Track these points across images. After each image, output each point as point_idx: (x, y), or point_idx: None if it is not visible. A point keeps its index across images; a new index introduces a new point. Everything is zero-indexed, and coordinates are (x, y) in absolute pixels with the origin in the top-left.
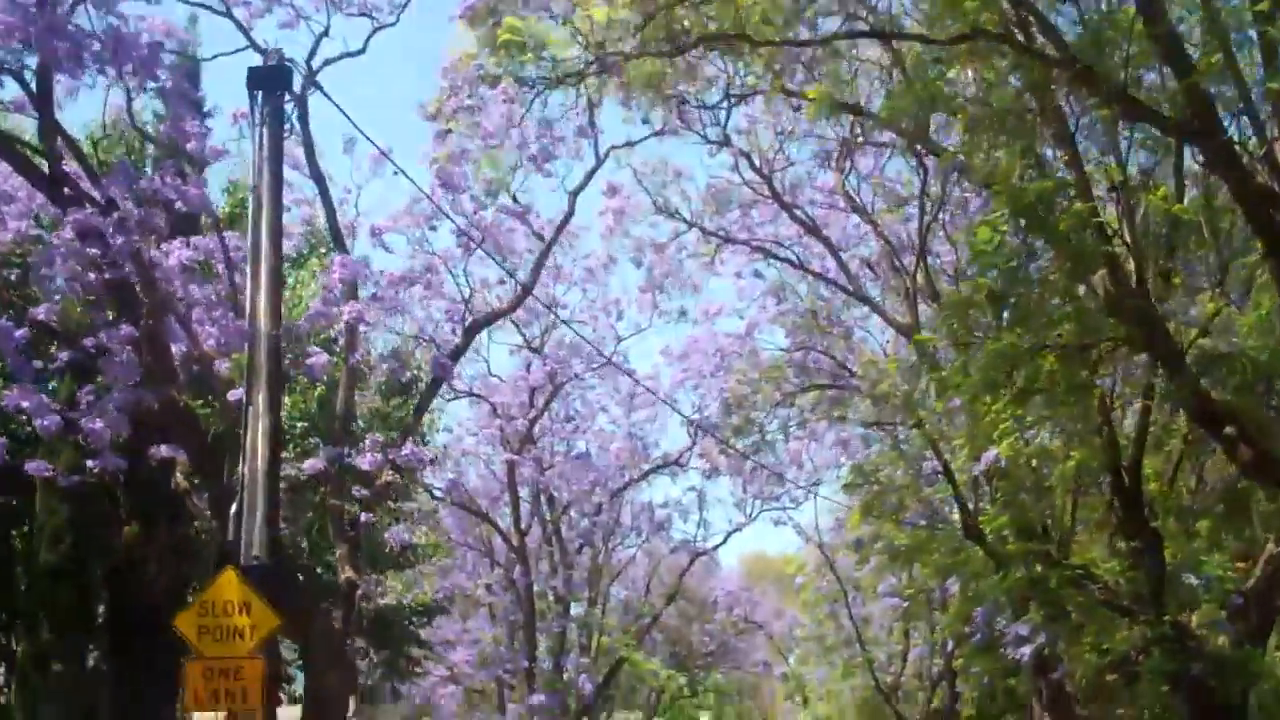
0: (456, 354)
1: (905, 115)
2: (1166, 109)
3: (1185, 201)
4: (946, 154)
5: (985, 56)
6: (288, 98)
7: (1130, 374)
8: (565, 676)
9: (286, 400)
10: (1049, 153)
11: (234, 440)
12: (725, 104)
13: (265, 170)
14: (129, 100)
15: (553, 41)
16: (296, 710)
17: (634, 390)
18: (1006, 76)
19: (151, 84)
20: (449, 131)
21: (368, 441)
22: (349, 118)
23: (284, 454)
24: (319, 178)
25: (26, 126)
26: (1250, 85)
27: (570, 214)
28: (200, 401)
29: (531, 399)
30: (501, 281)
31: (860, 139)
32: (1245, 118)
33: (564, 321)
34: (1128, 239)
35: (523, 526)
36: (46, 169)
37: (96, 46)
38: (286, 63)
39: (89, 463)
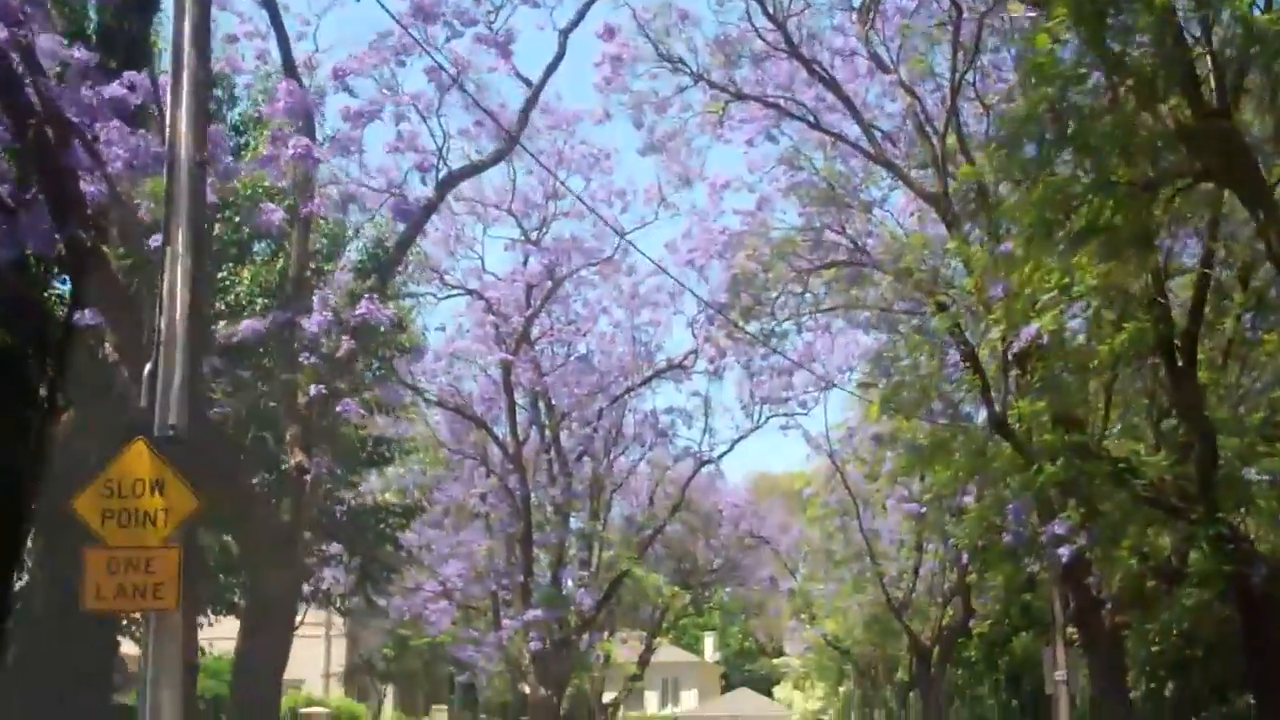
0: (428, 210)
1: None
2: None
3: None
4: None
5: None
6: None
7: (1185, 243)
8: (564, 591)
9: (246, 274)
10: None
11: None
12: None
13: None
14: None
15: None
16: None
17: (636, 290)
18: None
19: None
20: None
21: (315, 299)
22: None
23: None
24: (270, 3)
25: None
26: None
27: (560, 55)
28: (121, 251)
29: (529, 297)
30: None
31: None
32: None
33: (584, 203)
34: (1209, 52)
35: (519, 433)
36: None
37: None
38: None
39: None
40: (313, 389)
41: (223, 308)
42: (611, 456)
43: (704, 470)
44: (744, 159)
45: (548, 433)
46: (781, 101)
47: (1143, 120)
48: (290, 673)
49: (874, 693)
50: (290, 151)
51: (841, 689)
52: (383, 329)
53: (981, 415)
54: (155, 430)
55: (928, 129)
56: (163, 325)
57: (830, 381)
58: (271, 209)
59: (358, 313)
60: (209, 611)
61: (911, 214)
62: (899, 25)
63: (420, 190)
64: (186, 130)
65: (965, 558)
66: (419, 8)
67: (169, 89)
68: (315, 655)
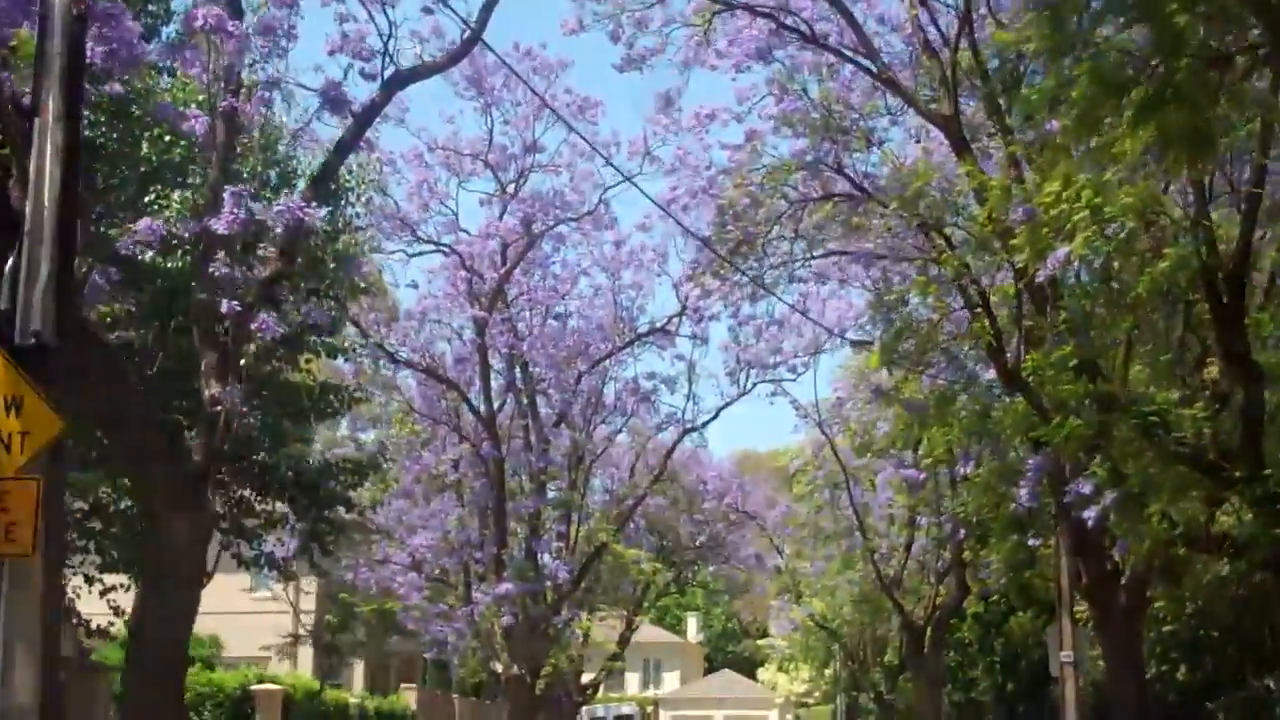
0: (371, 111)
1: None
2: None
3: None
4: None
5: None
6: None
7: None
8: (539, 564)
9: (176, 196)
10: None
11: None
12: None
13: None
14: None
15: None
16: None
17: (620, 243)
18: None
19: None
20: None
21: (227, 195)
22: None
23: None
24: None
25: None
26: None
27: None
28: None
29: (504, 254)
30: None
31: None
32: None
33: (581, 140)
34: None
35: (493, 399)
36: None
37: None
38: None
39: None
40: (225, 304)
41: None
42: (591, 425)
43: (687, 440)
44: (732, 88)
45: (524, 398)
46: (775, 11)
47: None
48: (247, 649)
49: (862, 675)
50: (200, 21)
51: (828, 671)
52: (315, 240)
53: (988, 375)
54: (15, 338)
55: (935, 45)
56: (29, 211)
57: (830, 331)
58: (196, 114)
59: (277, 209)
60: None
61: (917, 141)
62: None
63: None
64: None
65: (962, 532)
66: None
67: None
68: (281, 628)
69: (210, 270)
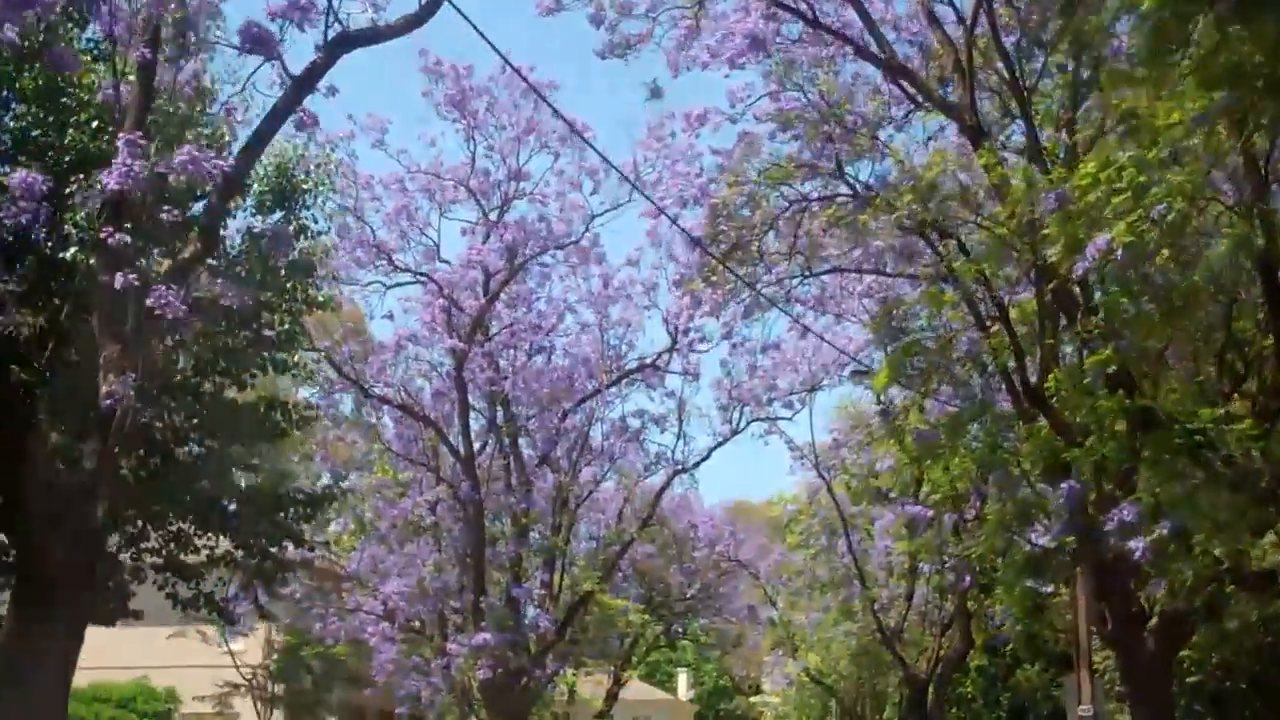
0: (314, 73)
1: None
2: None
3: None
4: None
5: None
6: None
7: None
8: (520, 613)
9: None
10: None
11: None
12: None
13: None
14: None
15: None
16: None
17: (609, 278)
18: None
19: None
20: None
21: (121, 143)
22: None
23: None
24: None
25: None
26: None
27: None
28: None
29: (486, 284)
30: None
31: None
32: None
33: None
34: None
35: (474, 435)
36: None
37: None
38: None
39: None
40: (119, 278)
41: None
42: (577, 468)
43: (678, 483)
44: (724, 90)
45: (505, 438)
46: None
47: None
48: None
49: None
50: None
51: None
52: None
53: (1002, 405)
54: None
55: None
56: None
57: (833, 347)
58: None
59: (180, 158)
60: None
61: (929, 142)
62: None
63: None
64: None
65: (968, 579)
66: None
67: None
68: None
69: (107, 240)
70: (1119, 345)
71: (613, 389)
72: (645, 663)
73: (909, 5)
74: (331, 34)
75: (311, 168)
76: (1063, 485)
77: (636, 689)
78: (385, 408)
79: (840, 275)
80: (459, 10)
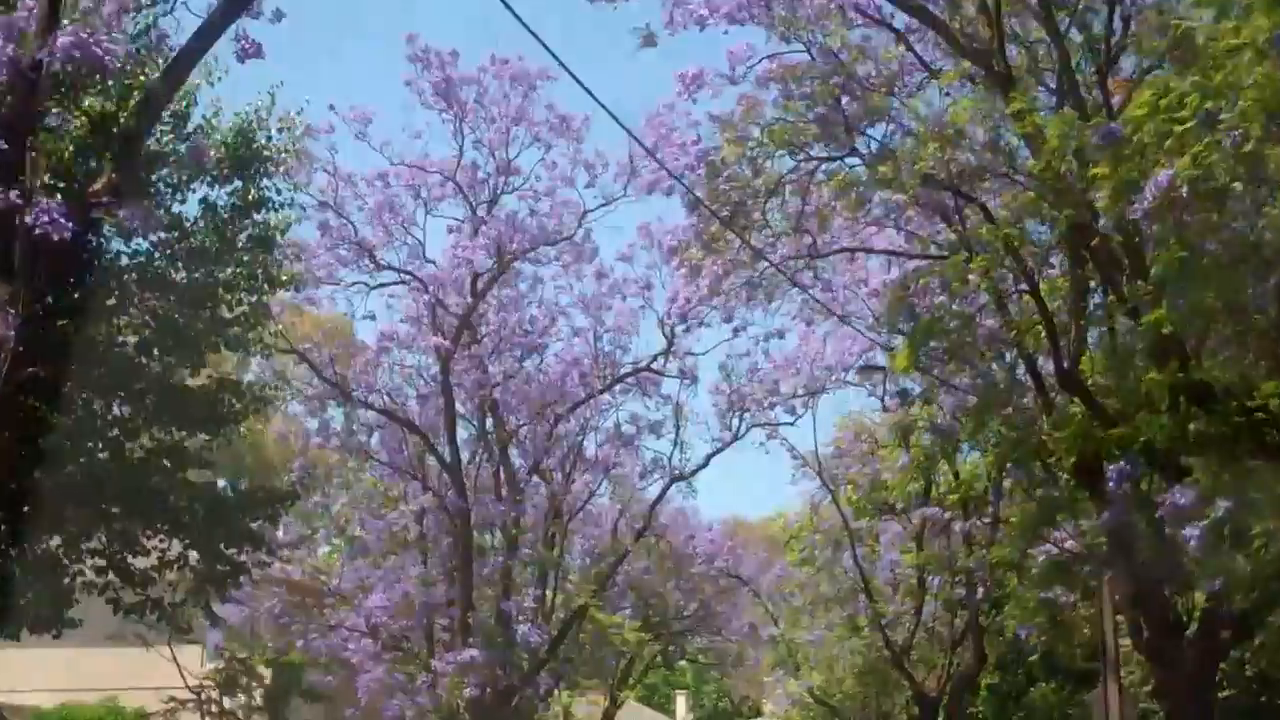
0: None
1: None
2: None
3: None
4: None
5: None
6: None
7: None
8: (513, 630)
9: None
10: None
11: None
12: None
13: None
14: None
15: None
16: None
17: (599, 281)
18: None
19: None
20: None
21: None
22: None
23: None
24: None
25: None
26: None
27: None
28: None
29: (474, 284)
30: None
31: None
32: None
33: None
34: None
35: (460, 443)
36: None
37: None
38: None
39: None
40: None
41: None
42: (569, 478)
43: (675, 492)
44: (723, 48)
45: (494, 445)
46: None
47: None
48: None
49: None
50: None
51: None
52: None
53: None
54: None
55: None
56: None
57: (819, 388)
58: None
59: (64, 39)
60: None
61: (945, 94)
62: None
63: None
64: None
65: (981, 591)
66: None
67: None
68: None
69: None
70: (1175, 304)
71: (606, 395)
72: (643, 685)
73: None
74: None
75: (274, 132)
76: (1111, 468)
77: (635, 712)
78: (370, 414)
79: (849, 266)
80: None
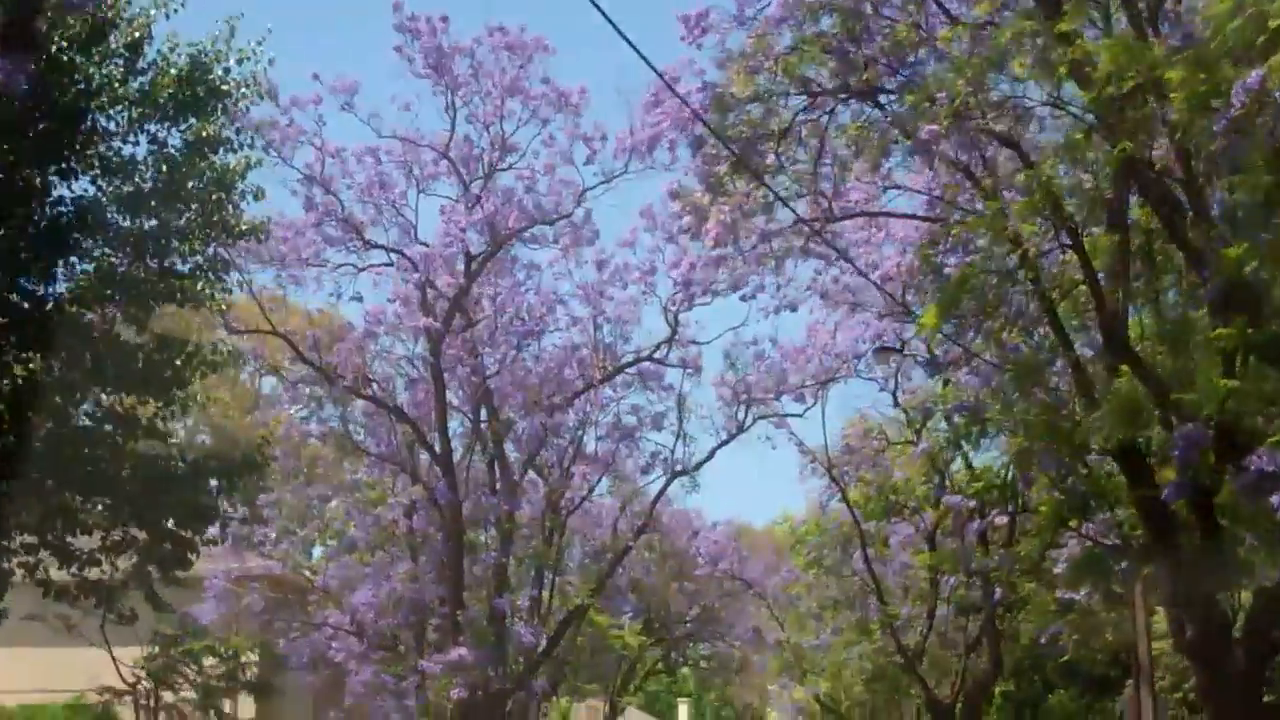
0: None
1: None
2: None
3: None
4: None
5: None
6: None
7: None
8: (506, 629)
9: None
10: None
11: None
12: None
13: None
14: None
15: None
16: None
17: (599, 268)
18: None
19: None
20: None
21: None
22: None
23: None
24: None
25: None
26: None
27: None
28: None
29: (468, 266)
30: None
31: None
32: None
33: None
34: None
35: (454, 436)
36: None
37: None
38: None
39: None
40: None
41: None
42: (568, 471)
43: (678, 489)
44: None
45: (489, 439)
46: None
47: None
48: None
49: None
50: None
51: None
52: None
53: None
54: None
55: None
56: None
57: (829, 379)
58: None
59: None
60: None
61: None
62: None
63: None
64: None
65: (997, 593)
66: None
67: None
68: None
69: None
70: (1257, 239)
71: (607, 387)
72: (644, 692)
73: None
74: None
75: (233, 63)
76: (1176, 433)
77: (635, 719)
78: (357, 402)
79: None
80: None
